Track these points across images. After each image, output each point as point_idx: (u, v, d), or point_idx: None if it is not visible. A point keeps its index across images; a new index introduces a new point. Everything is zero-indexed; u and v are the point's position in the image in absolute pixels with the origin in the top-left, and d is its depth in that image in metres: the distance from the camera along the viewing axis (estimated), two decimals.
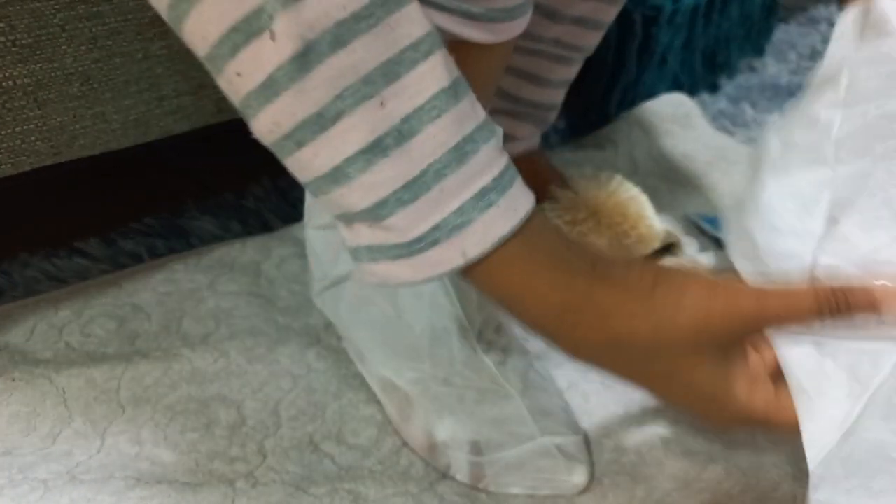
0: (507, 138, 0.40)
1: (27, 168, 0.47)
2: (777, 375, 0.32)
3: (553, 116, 0.63)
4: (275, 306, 0.53)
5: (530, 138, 0.62)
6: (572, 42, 0.57)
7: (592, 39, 0.58)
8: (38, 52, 0.44)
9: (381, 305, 0.44)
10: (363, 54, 0.24)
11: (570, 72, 0.60)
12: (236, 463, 0.42)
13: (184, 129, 0.52)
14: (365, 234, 0.28)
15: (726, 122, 0.86)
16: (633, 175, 0.75)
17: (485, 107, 0.41)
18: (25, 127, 0.45)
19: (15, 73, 0.43)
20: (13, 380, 0.45)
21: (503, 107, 0.60)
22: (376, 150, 0.25)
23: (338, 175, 0.26)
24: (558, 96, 0.62)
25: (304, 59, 0.24)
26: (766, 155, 0.38)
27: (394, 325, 0.44)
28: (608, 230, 0.54)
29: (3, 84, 0.43)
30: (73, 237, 0.60)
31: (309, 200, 0.44)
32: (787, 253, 0.35)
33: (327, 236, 0.44)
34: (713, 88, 0.92)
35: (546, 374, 0.49)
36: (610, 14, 0.56)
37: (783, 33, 1.01)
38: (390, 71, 0.25)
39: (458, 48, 0.34)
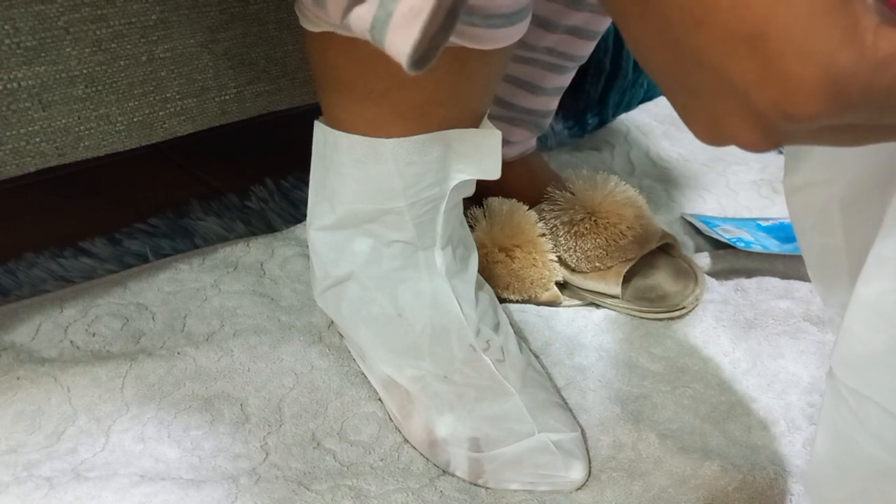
0: (503, 142, 0.41)
1: (32, 169, 0.47)
2: None
3: (547, 122, 0.64)
4: (278, 305, 0.54)
5: (525, 142, 0.63)
6: (566, 51, 0.57)
7: (586, 49, 0.59)
8: (42, 55, 0.44)
9: (382, 304, 0.44)
10: None
11: (564, 80, 0.61)
12: (239, 459, 0.42)
13: (188, 131, 0.53)
14: None
15: None
16: (630, 176, 0.75)
17: (484, 112, 0.42)
18: (30, 128, 0.45)
19: (20, 75, 0.43)
20: (18, 378, 0.46)
21: (497, 112, 0.60)
22: None
23: None
24: (552, 103, 0.63)
25: None
26: None
27: (394, 323, 0.44)
28: (605, 231, 0.54)
29: (8, 86, 0.43)
30: (79, 237, 0.60)
31: (311, 202, 0.45)
32: None
33: (329, 237, 0.44)
34: None
35: (544, 372, 0.49)
36: (603, 24, 0.57)
37: None
38: None
39: (457, 55, 0.35)
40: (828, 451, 0.31)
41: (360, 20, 0.26)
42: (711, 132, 0.23)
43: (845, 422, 0.29)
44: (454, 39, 0.33)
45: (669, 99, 0.24)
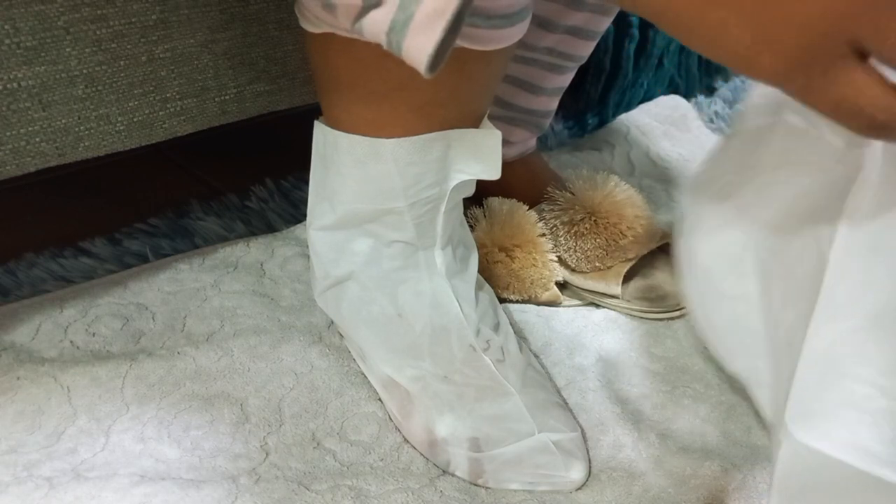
0: (503, 143, 0.41)
1: (32, 169, 0.47)
2: None
3: (547, 122, 0.64)
4: (278, 305, 0.54)
5: (525, 142, 0.63)
6: (566, 51, 0.58)
7: (585, 49, 0.59)
8: (42, 55, 0.44)
9: (382, 304, 0.44)
10: None
11: (564, 80, 0.61)
12: (239, 459, 0.42)
13: (188, 131, 0.53)
14: None
15: (722, 124, 0.87)
16: (630, 176, 0.75)
17: (484, 112, 0.42)
18: (30, 128, 0.45)
19: (20, 75, 0.44)
20: (18, 378, 0.46)
21: (497, 113, 0.60)
22: None
23: None
24: (552, 104, 0.63)
25: None
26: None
27: (394, 323, 0.44)
28: (605, 230, 0.54)
29: (8, 86, 0.43)
30: (79, 237, 0.60)
31: (311, 202, 0.45)
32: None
33: (329, 237, 0.44)
34: (709, 91, 0.92)
35: (544, 372, 0.49)
36: (603, 24, 0.57)
37: None
38: None
39: (457, 56, 0.35)
40: None
41: (376, 24, 0.26)
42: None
43: (802, 481, 0.28)
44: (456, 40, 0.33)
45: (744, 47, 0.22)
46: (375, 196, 0.40)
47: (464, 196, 0.44)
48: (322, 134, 0.41)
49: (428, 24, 0.24)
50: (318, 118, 0.42)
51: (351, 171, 0.40)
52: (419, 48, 0.25)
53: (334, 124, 0.40)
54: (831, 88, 0.22)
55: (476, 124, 0.41)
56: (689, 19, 0.23)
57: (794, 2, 0.21)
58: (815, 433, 0.27)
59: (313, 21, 0.36)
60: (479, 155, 0.40)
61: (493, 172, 0.41)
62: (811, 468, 0.28)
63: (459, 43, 0.33)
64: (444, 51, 0.25)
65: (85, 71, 0.46)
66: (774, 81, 0.23)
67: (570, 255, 0.55)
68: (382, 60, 0.35)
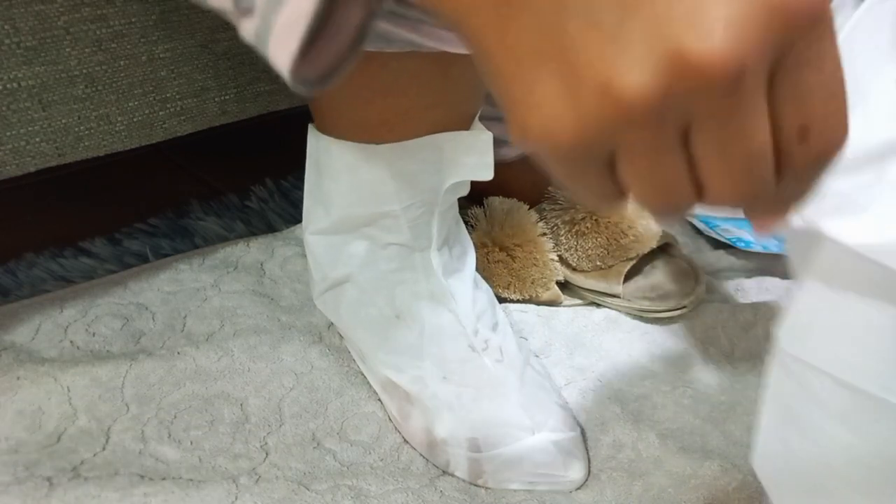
0: (503, 143, 0.41)
1: (32, 169, 0.47)
2: None
3: None
4: (278, 305, 0.54)
5: None
6: None
7: None
8: (42, 55, 0.44)
9: (380, 306, 0.44)
10: None
11: None
12: (239, 459, 0.42)
13: (188, 131, 0.53)
14: None
15: None
16: None
17: (475, 113, 0.42)
18: (30, 128, 0.45)
19: (20, 75, 0.44)
20: (18, 378, 0.46)
21: (496, 114, 0.60)
22: None
23: None
24: None
25: None
26: None
27: (392, 325, 0.44)
28: (606, 230, 0.54)
29: (8, 86, 0.43)
30: (79, 237, 0.60)
31: (307, 205, 0.45)
32: None
33: (325, 240, 0.44)
34: None
35: (543, 372, 0.49)
36: None
37: None
38: None
39: (440, 60, 0.35)
40: (778, 437, 0.30)
41: (248, 33, 0.26)
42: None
43: (792, 393, 0.29)
44: (434, 44, 0.33)
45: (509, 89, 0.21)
46: (369, 200, 0.40)
47: (458, 196, 0.44)
48: (315, 139, 0.41)
49: (285, 36, 0.24)
50: (312, 123, 0.42)
51: (344, 176, 0.40)
52: (280, 61, 0.25)
53: (325, 130, 0.40)
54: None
55: (466, 126, 0.41)
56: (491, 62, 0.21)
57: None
58: (805, 348, 0.28)
59: None
60: (471, 156, 0.40)
61: (486, 173, 0.40)
62: (801, 380, 0.28)
63: (438, 47, 0.33)
64: (335, 69, 0.25)
65: (85, 71, 0.46)
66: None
67: (571, 255, 0.55)
68: (366, 65, 0.35)
